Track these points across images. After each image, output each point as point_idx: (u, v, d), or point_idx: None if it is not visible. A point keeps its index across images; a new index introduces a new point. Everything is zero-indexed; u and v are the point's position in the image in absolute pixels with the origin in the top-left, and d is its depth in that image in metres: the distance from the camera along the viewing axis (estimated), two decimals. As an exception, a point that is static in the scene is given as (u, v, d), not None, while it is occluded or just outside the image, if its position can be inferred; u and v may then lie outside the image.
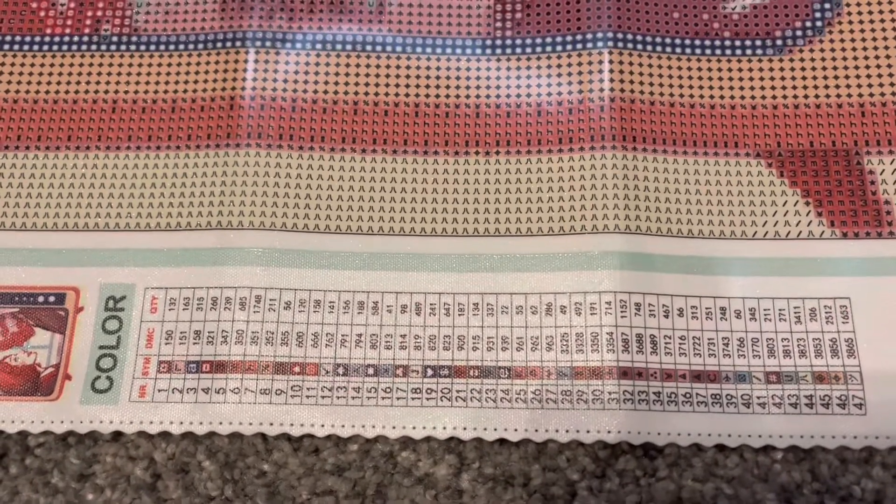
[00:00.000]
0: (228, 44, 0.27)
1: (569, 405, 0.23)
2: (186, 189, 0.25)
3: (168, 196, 0.25)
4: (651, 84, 0.26)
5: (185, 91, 0.26)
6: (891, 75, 0.26)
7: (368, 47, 0.27)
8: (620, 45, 0.26)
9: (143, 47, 0.27)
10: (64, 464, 0.23)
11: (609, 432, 0.22)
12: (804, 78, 0.26)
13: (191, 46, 0.27)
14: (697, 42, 0.27)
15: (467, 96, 0.26)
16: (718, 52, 0.27)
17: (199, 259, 0.24)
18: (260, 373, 0.23)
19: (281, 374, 0.23)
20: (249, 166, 0.25)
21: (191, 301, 0.24)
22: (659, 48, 0.26)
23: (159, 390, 0.23)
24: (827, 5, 0.27)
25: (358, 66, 0.27)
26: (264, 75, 0.26)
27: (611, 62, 0.26)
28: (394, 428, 0.23)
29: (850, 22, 0.27)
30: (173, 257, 0.24)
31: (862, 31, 0.27)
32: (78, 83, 0.27)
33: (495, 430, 0.23)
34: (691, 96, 0.26)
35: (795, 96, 0.26)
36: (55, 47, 0.27)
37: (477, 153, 0.26)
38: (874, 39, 0.27)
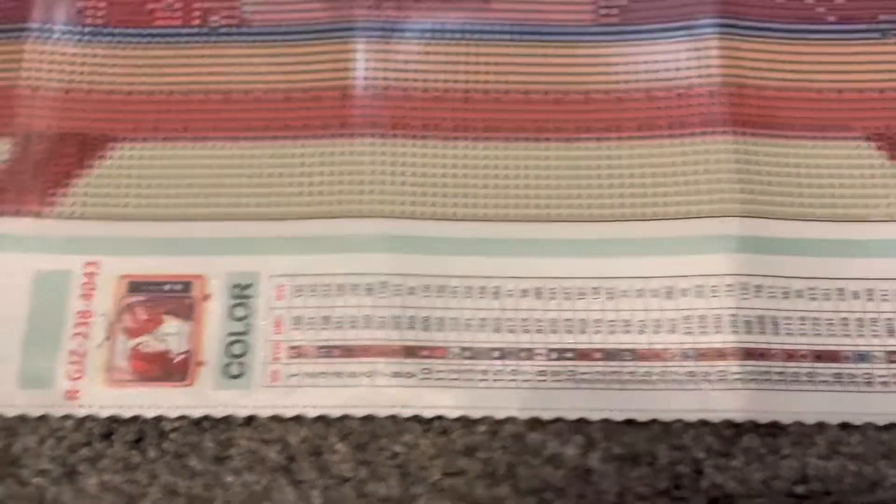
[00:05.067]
0: (338, 34, 0.27)
1: (694, 386, 0.23)
2: (305, 178, 0.26)
3: (287, 185, 0.26)
4: (759, 69, 0.26)
5: (298, 82, 0.27)
6: None
7: (476, 35, 0.27)
8: (727, 30, 0.27)
9: (252, 38, 0.27)
10: (200, 447, 0.24)
11: (736, 412, 0.23)
12: (910, 61, 0.27)
13: (300, 37, 0.27)
14: (802, 27, 0.27)
15: (576, 83, 0.27)
16: (823, 36, 0.27)
17: (322, 247, 0.25)
18: (390, 356, 0.24)
19: (411, 357, 0.24)
20: (366, 155, 0.26)
21: (317, 288, 0.24)
22: (765, 33, 0.27)
23: (291, 375, 0.24)
24: (930, -11, 0.27)
25: (467, 54, 0.27)
26: (375, 65, 0.27)
27: (719, 48, 0.26)
28: (523, 410, 0.23)
29: (955, 5, 0.27)
30: (296, 245, 0.25)
31: (966, 13, 0.27)
32: (190, 75, 0.27)
33: (621, 411, 0.23)
34: (797, 81, 0.26)
35: (903, 80, 0.26)
36: (165, 39, 0.27)
37: (588, 139, 0.26)
38: (978, 22, 0.27)
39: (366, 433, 0.24)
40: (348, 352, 0.24)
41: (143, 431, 0.24)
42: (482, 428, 0.24)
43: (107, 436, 0.24)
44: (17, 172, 0.26)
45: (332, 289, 0.24)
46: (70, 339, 0.24)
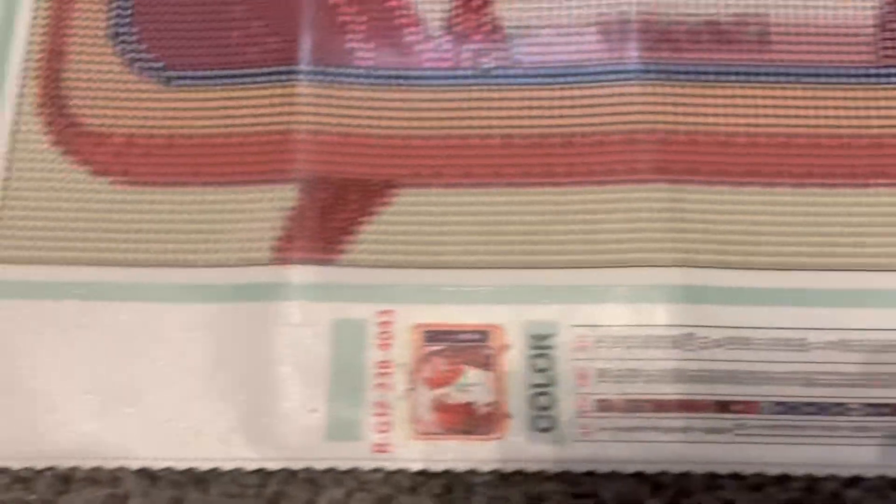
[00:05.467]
0: (613, 76, 0.27)
1: None
2: (595, 226, 0.25)
3: (575, 232, 0.25)
4: None
5: (578, 126, 0.26)
6: None
7: (758, 77, 0.26)
8: None
9: (525, 80, 0.27)
10: (509, 501, 0.24)
11: None
12: None
13: (574, 79, 0.27)
14: None
15: (863, 126, 0.26)
16: None
17: (620, 296, 0.24)
18: (703, 411, 0.23)
19: (724, 412, 0.23)
20: (656, 202, 0.25)
21: (620, 339, 0.24)
22: None
23: (602, 429, 0.24)
24: None
25: (753, 97, 0.26)
26: (654, 108, 0.26)
27: None
28: (843, 467, 0.23)
29: None
30: (595, 294, 0.24)
31: None
32: (466, 119, 0.26)
33: (947, 469, 0.23)
34: None
35: None
36: (437, 82, 0.27)
37: (885, 185, 0.25)
38: None
39: (678, 488, 0.24)
40: (660, 406, 0.24)
41: (450, 485, 0.24)
42: (798, 484, 0.23)
43: (413, 489, 0.24)
44: (304, 219, 0.25)
45: (636, 340, 0.24)
46: (373, 390, 0.24)
